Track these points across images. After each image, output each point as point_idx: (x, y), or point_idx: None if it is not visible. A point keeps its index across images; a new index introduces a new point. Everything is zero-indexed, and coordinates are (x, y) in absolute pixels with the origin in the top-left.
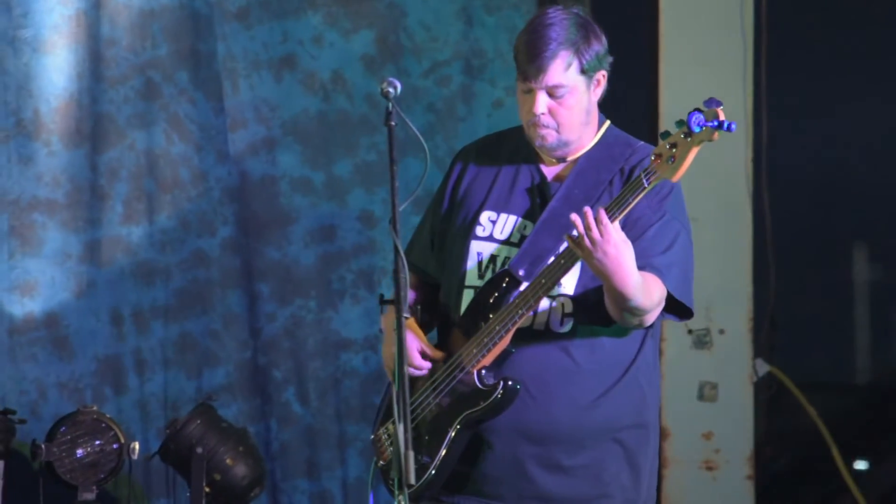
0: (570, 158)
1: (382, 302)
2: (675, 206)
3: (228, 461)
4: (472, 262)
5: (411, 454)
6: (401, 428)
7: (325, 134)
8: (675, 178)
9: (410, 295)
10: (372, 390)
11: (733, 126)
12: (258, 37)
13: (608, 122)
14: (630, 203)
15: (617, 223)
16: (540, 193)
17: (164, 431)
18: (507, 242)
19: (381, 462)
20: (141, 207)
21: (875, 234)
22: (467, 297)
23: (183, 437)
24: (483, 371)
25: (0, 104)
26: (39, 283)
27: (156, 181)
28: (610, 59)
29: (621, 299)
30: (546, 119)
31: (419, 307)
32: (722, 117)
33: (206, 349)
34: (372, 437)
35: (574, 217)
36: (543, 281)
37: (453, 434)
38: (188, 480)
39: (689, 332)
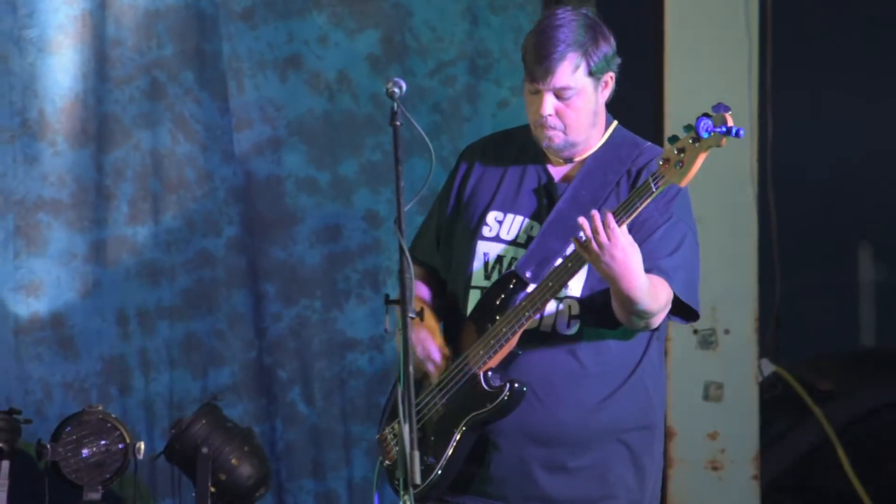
0: (577, 159)
1: (388, 302)
2: (682, 207)
3: (234, 461)
4: (478, 263)
5: (417, 454)
6: (406, 428)
7: (331, 134)
8: (683, 182)
9: (423, 289)
10: (377, 390)
11: (741, 132)
12: (263, 37)
13: (615, 123)
14: (638, 207)
15: (624, 227)
16: (547, 194)
17: (169, 431)
18: (513, 243)
19: (387, 462)
20: (146, 207)
21: (880, 234)
22: (474, 297)
23: (188, 437)
24: (489, 373)
25: (5, 104)
26: (45, 283)
27: (161, 181)
28: (618, 60)
29: (628, 302)
30: (553, 121)
31: (432, 298)
32: (730, 123)
33: (212, 349)
34: (377, 436)
35: (581, 220)
36: (550, 284)
37: (459, 435)
38: (193, 480)
39: (695, 332)
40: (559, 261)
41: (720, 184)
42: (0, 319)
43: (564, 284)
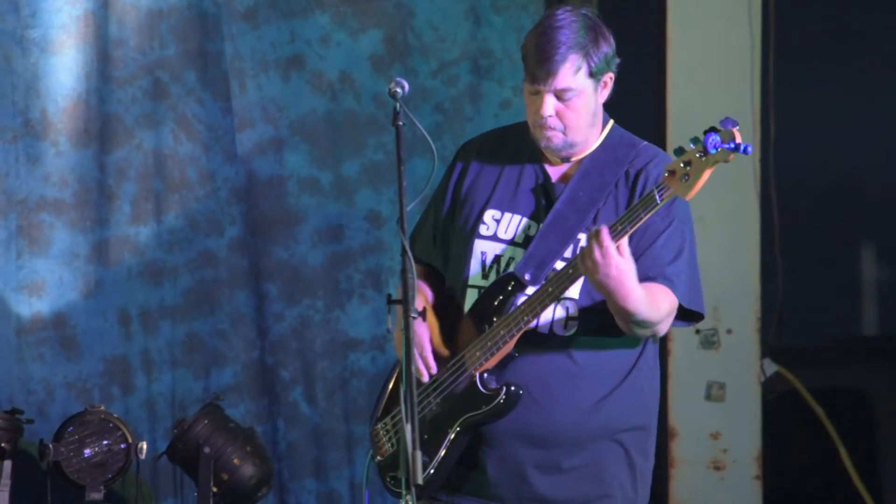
0: (574, 159)
1: (390, 302)
2: (682, 210)
3: (236, 461)
4: (475, 262)
5: (419, 454)
6: (408, 428)
7: (333, 134)
8: (689, 196)
9: (425, 288)
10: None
11: (749, 149)
12: (266, 37)
13: (612, 122)
14: (641, 218)
15: (625, 239)
16: (545, 194)
17: (171, 431)
18: (511, 243)
19: (378, 457)
20: (149, 207)
21: (883, 233)
22: (471, 296)
23: (190, 437)
24: (485, 375)
25: (8, 104)
26: (47, 283)
27: (163, 181)
28: (617, 60)
29: (625, 314)
30: (553, 121)
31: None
32: (738, 139)
33: (214, 349)
34: (370, 431)
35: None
36: (550, 289)
37: (453, 436)
38: (196, 480)
39: (697, 332)
40: (560, 265)
41: (722, 184)
42: (2, 319)
43: (565, 290)
